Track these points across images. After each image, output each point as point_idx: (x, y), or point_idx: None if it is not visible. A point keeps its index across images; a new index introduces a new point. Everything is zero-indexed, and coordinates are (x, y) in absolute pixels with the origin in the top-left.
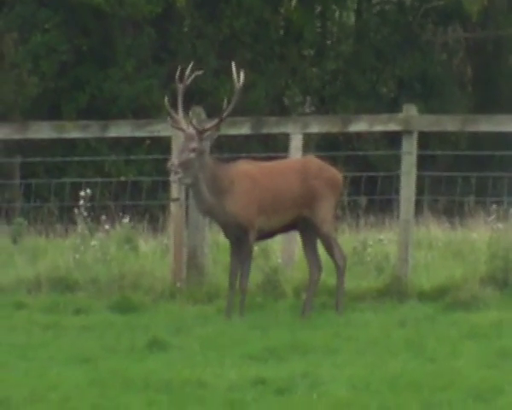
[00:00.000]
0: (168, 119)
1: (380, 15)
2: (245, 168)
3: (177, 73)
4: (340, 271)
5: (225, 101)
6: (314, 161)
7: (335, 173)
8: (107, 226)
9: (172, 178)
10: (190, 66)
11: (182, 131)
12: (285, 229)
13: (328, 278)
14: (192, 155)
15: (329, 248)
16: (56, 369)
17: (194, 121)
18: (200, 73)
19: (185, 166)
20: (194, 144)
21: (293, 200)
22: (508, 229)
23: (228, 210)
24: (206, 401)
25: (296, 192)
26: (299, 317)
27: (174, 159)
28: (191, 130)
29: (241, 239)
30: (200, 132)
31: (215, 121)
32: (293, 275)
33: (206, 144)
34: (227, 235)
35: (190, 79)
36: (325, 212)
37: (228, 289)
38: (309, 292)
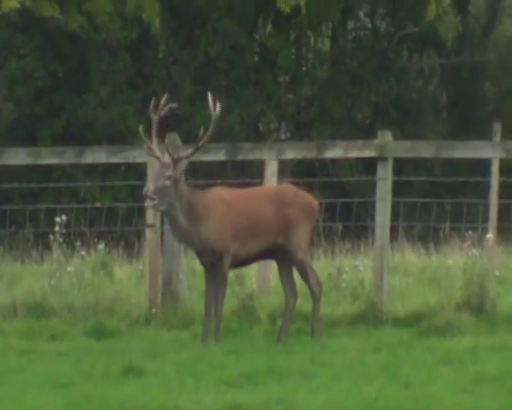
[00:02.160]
0: (144, 146)
1: (355, 42)
2: (219, 194)
3: (152, 103)
4: (315, 297)
5: (201, 129)
6: (289, 187)
7: (311, 200)
8: (82, 252)
9: (147, 204)
10: (165, 97)
11: (157, 159)
12: (261, 257)
13: (303, 303)
14: (167, 182)
15: (305, 275)
16: (32, 394)
17: (169, 149)
18: (174, 106)
19: (160, 192)
20: (169, 172)
21: (268, 227)
22: (483, 255)
23: (202, 236)
24: None
25: (271, 219)
26: (275, 342)
27: (149, 185)
28: (166, 158)
29: (216, 265)
30: (176, 160)
31: (190, 150)
32: (268, 301)
33: (181, 171)
34: (202, 261)
35: (165, 111)
36: (300, 239)
37: (204, 315)
38: (285, 319)
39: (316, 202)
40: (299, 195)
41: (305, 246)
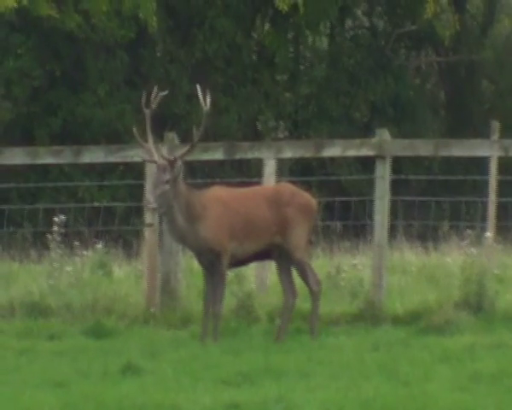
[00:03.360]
0: (140, 152)
1: (353, 40)
2: (217, 194)
3: (143, 97)
4: (314, 296)
5: (194, 127)
6: (287, 187)
7: (309, 199)
8: (81, 252)
9: (147, 206)
10: (155, 89)
11: (154, 163)
12: (259, 257)
13: (302, 302)
14: (166, 187)
15: (303, 274)
16: (30, 393)
17: (164, 151)
18: (165, 93)
19: (160, 198)
20: (167, 176)
21: (265, 226)
22: (481, 253)
23: (200, 236)
24: None
25: (269, 219)
26: (273, 341)
27: (149, 195)
28: (162, 160)
29: (214, 265)
30: (172, 162)
31: (186, 148)
32: (266, 300)
33: (178, 171)
34: (200, 261)
35: (156, 102)
36: (298, 238)
37: (202, 314)
38: (283, 318)
39: (314, 201)
40: (296, 194)
41: (303, 245)
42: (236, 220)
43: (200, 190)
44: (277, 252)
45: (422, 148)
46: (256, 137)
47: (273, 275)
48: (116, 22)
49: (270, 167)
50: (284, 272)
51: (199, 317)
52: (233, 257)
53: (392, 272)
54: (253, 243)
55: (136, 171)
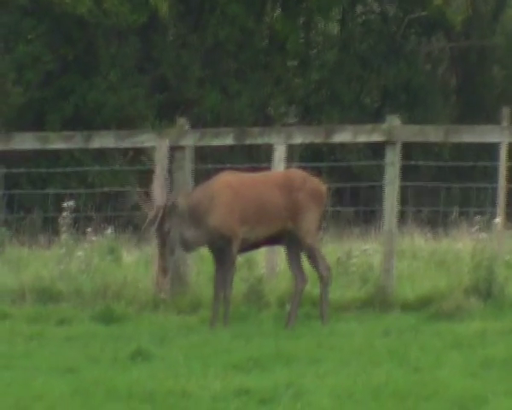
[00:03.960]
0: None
1: (364, 25)
2: (226, 180)
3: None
4: (324, 281)
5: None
6: (297, 173)
7: (319, 185)
8: (91, 237)
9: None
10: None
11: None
12: (270, 241)
13: (312, 288)
14: (168, 232)
15: (313, 260)
16: (40, 379)
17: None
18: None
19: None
20: (167, 227)
21: (277, 211)
22: (491, 239)
23: (210, 227)
24: None
25: (280, 204)
26: (283, 327)
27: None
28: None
29: (224, 250)
30: (164, 213)
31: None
32: (276, 285)
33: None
34: (211, 247)
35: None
36: (309, 224)
37: (212, 299)
38: (293, 303)
39: (324, 187)
40: (307, 180)
41: (313, 231)
42: (247, 205)
43: (207, 182)
44: (288, 237)
45: (432, 134)
46: (267, 122)
47: (283, 260)
48: (128, 7)
49: (280, 153)
50: (294, 258)
51: (209, 302)
52: (244, 242)
53: (402, 257)
54: (265, 227)
55: (146, 156)
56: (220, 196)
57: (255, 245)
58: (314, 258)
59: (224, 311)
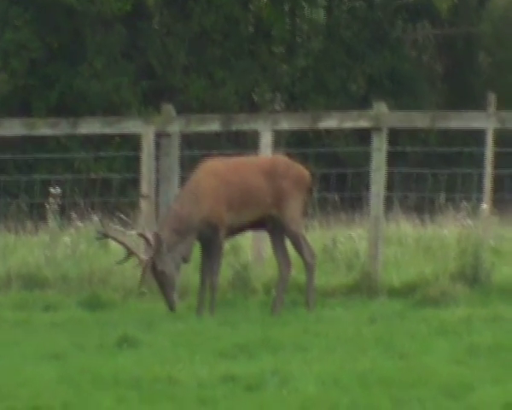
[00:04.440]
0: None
1: (350, 12)
2: (209, 166)
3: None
4: (309, 268)
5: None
6: (282, 159)
7: (303, 171)
8: (77, 223)
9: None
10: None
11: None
12: (253, 226)
13: (298, 274)
14: (160, 263)
15: (298, 246)
16: (26, 366)
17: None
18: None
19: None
20: (159, 268)
21: (261, 196)
22: (477, 225)
23: (200, 216)
24: (177, 397)
25: (264, 189)
26: (270, 313)
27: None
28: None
29: (211, 238)
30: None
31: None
32: (263, 272)
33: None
34: (199, 237)
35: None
36: (293, 210)
37: (199, 286)
38: (279, 289)
39: (308, 174)
40: (291, 166)
41: (298, 217)
42: (232, 190)
43: (188, 181)
44: (271, 224)
45: (419, 120)
46: (253, 109)
47: (269, 247)
48: None
49: (266, 139)
50: (278, 244)
51: (195, 289)
52: (229, 227)
53: (388, 243)
54: (249, 212)
55: (132, 142)
56: (204, 184)
57: (239, 230)
58: (299, 245)
59: (211, 298)
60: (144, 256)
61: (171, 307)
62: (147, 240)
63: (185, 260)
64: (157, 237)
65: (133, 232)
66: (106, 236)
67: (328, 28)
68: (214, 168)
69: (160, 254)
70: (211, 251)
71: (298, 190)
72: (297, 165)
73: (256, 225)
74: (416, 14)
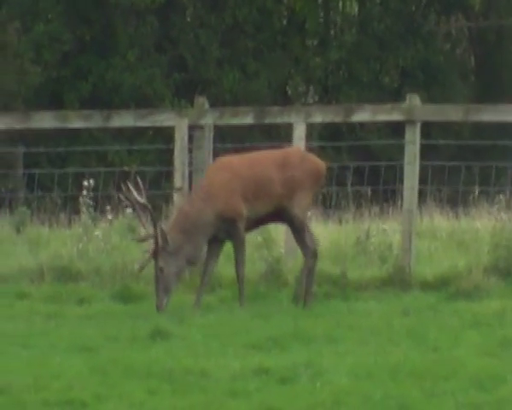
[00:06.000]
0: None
1: (383, 5)
2: (221, 162)
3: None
4: (310, 254)
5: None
6: (295, 151)
7: (318, 163)
8: (110, 216)
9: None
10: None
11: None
12: (271, 218)
13: (331, 267)
14: (164, 271)
15: (301, 234)
16: (58, 358)
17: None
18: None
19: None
20: (160, 264)
21: (273, 188)
22: (511, 218)
23: (216, 213)
24: (209, 390)
25: (276, 181)
26: (302, 306)
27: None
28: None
29: (230, 232)
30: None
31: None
32: (295, 264)
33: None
34: (216, 234)
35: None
36: (302, 199)
37: (200, 283)
38: (307, 279)
39: (323, 166)
40: (305, 158)
41: (305, 206)
42: (245, 183)
43: (200, 182)
44: (286, 215)
45: (453, 113)
46: (286, 101)
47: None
48: None
49: (299, 132)
50: (299, 234)
51: (227, 282)
52: (247, 220)
53: (421, 237)
54: (264, 204)
55: (165, 135)
56: (217, 179)
57: (257, 223)
58: (303, 233)
59: (239, 291)
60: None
61: (158, 307)
62: (155, 233)
63: (192, 262)
64: (163, 233)
65: (142, 201)
66: (128, 198)
67: (361, 21)
68: (226, 163)
69: (164, 252)
70: (233, 245)
71: (310, 181)
72: (312, 157)
73: (273, 217)
74: (449, 6)
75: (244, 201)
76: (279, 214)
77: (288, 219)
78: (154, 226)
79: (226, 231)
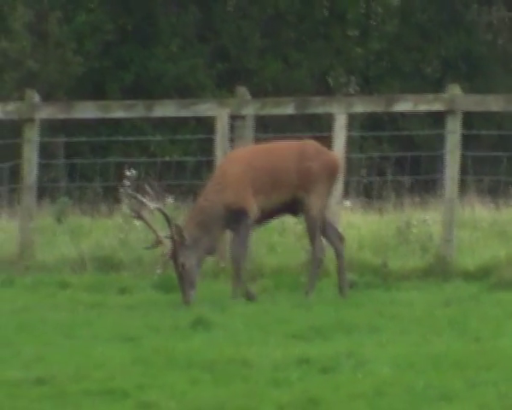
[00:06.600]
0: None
1: None
2: (234, 154)
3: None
4: (317, 263)
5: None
6: (311, 143)
7: (333, 157)
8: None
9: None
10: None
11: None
12: (287, 209)
13: (372, 257)
14: (186, 264)
15: (312, 232)
16: (100, 347)
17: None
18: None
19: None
20: (181, 260)
21: (288, 179)
22: None
23: (226, 205)
24: (251, 379)
25: (291, 172)
26: (340, 295)
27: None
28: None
29: (239, 220)
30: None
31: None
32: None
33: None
34: (228, 225)
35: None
36: (318, 195)
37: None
38: (340, 267)
39: (338, 160)
40: (321, 151)
41: (320, 203)
42: (259, 174)
43: (216, 171)
44: (301, 206)
45: (494, 103)
46: (327, 92)
47: (343, 228)
48: None
49: (341, 122)
50: (322, 223)
51: (268, 271)
52: (262, 211)
53: (462, 227)
54: (278, 194)
55: (207, 125)
56: (230, 171)
57: (272, 213)
58: (313, 232)
59: (235, 272)
60: (167, 247)
61: (186, 301)
62: (171, 232)
63: (211, 253)
64: (178, 229)
65: (152, 206)
66: (139, 216)
67: (403, 11)
68: (239, 155)
69: (182, 247)
70: (236, 235)
71: (326, 173)
72: (327, 150)
73: (290, 208)
74: None
75: (258, 193)
76: (294, 206)
77: (303, 210)
78: (169, 226)
79: (234, 222)
